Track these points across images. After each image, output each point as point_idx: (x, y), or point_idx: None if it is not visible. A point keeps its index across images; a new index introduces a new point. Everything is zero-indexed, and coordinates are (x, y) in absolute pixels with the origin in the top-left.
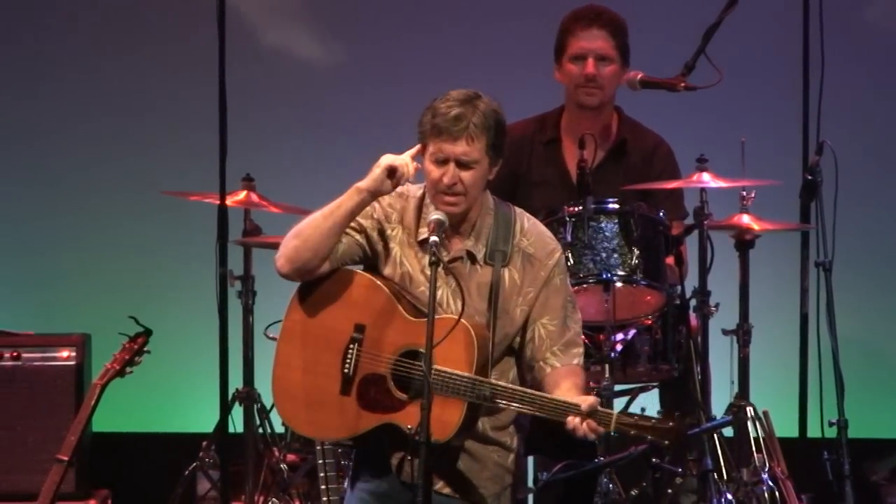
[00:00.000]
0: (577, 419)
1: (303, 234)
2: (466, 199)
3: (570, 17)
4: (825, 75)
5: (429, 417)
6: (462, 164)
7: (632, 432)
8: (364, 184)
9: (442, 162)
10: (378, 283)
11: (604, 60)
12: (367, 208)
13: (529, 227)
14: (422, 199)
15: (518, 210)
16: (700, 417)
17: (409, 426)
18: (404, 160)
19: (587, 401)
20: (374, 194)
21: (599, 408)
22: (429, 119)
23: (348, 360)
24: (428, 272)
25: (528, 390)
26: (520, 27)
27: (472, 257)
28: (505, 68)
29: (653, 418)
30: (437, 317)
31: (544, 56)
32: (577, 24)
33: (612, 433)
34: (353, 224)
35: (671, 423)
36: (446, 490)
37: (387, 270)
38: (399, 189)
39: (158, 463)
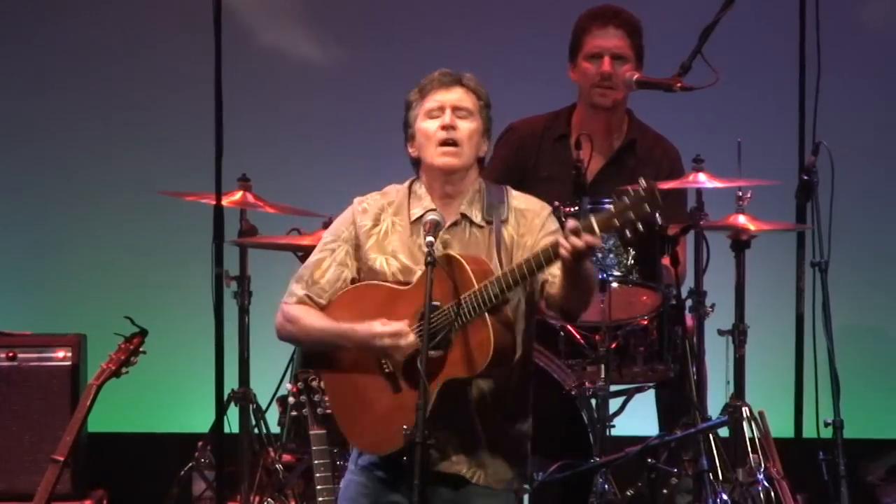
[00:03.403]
0: (563, 241)
1: (305, 336)
2: (464, 151)
3: (586, 16)
4: (821, 75)
5: (424, 418)
6: (458, 110)
7: (615, 221)
8: (361, 345)
9: (437, 111)
10: (368, 283)
11: (619, 59)
12: (344, 230)
13: (518, 193)
14: (409, 189)
15: (505, 185)
16: (696, 418)
17: (457, 375)
18: (409, 343)
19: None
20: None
21: (573, 224)
22: (416, 89)
23: (384, 361)
24: (425, 250)
25: (512, 266)
26: (520, 28)
27: (468, 220)
28: (505, 69)
29: (623, 196)
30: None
31: (546, 57)
32: (593, 23)
33: (601, 234)
34: (339, 256)
35: (641, 191)
36: (468, 474)
37: (374, 271)
38: (382, 191)
39: (154, 463)
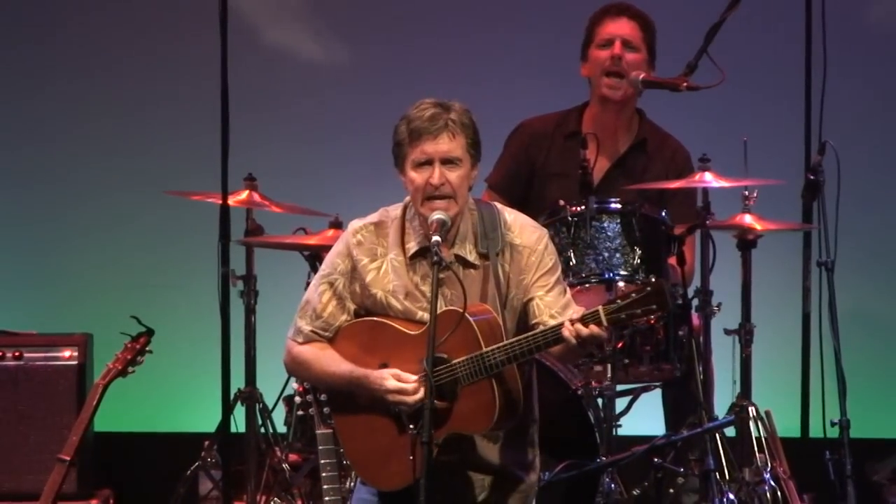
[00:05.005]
0: (570, 327)
1: (316, 380)
2: (456, 202)
3: (600, 11)
4: (827, 75)
5: (431, 417)
6: (446, 162)
7: (623, 316)
8: (372, 392)
9: (425, 164)
10: (376, 319)
11: (631, 48)
12: (340, 263)
13: (512, 220)
14: (402, 217)
15: (498, 206)
16: (702, 417)
17: (463, 431)
18: (417, 400)
19: (568, 315)
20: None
21: (578, 311)
22: (404, 127)
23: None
24: (423, 288)
25: (519, 337)
26: (526, 27)
27: (462, 261)
28: (510, 69)
29: (631, 293)
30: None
31: (553, 56)
32: (606, 15)
33: (607, 326)
34: (339, 289)
35: (649, 288)
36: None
37: (376, 304)
38: (376, 219)
39: (160, 463)
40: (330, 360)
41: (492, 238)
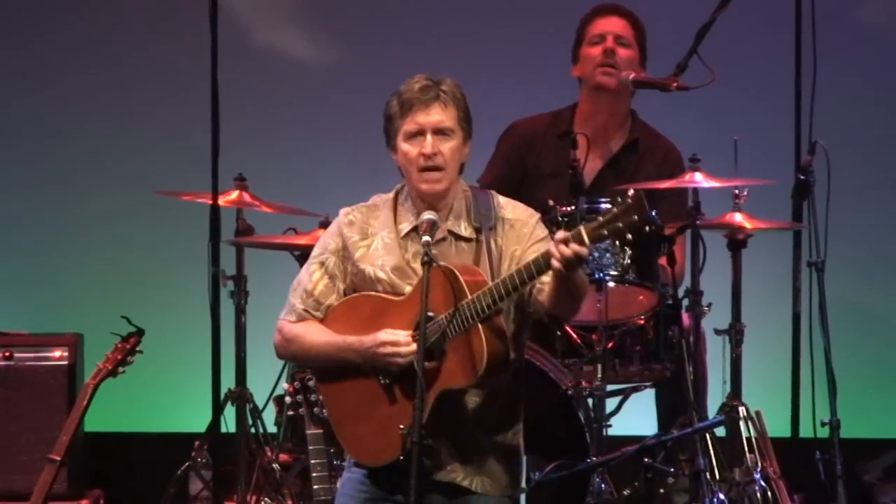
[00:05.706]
0: (554, 251)
1: (307, 353)
2: (447, 174)
3: (590, 11)
4: (817, 75)
5: (421, 418)
6: (439, 133)
7: (604, 231)
8: (364, 353)
9: (417, 135)
10: (361, 294)
11: (622, 44)
12: (331, 242)
13: (505, 201)
14: (395, 198)
15: (491, 191)
16: (693, 417)
17: (452, 385)
18: (409, 351)
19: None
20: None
21: (563, 234)
22: (395, 101)
23: (381, 376)
24: (413, 265)
25: (508, 276)
26: (516, 27)
27: (455, 236)
28: (501, 69)
29: (612, 208)
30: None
31: (545, 56)
32: (597, 14)
33: (591, 244)
34: (330, 268)
35: (628, 201)
36: (465, 483)
37: (366, 280)
38: (369, 203)
39: (151, 463)
40: (321, 330)
41: (485, 214)
